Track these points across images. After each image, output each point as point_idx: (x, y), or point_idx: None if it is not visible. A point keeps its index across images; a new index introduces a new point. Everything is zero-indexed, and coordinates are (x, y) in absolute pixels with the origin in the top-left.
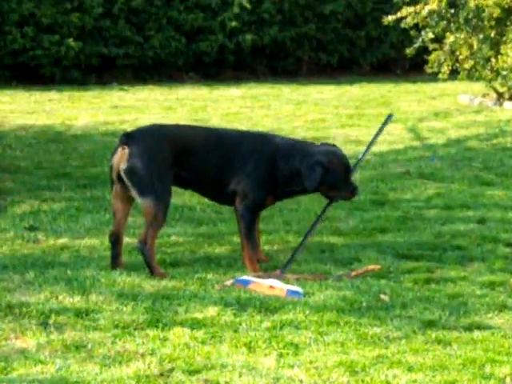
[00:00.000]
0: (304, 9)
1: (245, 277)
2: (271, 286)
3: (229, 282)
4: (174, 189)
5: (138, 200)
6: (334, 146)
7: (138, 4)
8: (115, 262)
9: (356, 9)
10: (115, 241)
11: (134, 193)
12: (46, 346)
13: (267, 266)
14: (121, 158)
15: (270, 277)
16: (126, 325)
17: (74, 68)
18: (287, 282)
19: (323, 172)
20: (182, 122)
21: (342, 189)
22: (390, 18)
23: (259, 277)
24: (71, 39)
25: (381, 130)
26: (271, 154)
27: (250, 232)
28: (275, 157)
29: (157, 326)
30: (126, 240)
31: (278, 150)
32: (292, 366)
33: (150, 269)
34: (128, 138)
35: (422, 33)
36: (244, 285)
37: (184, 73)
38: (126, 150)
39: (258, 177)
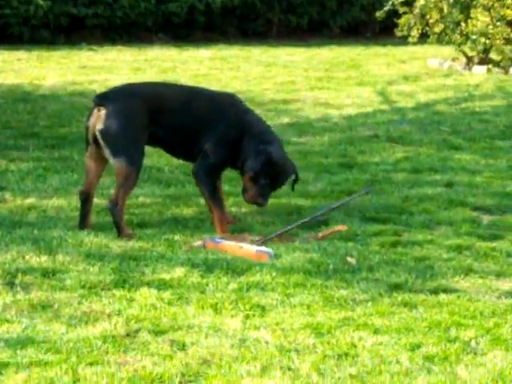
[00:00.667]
0: None
1: (216, 238)
2: (241, 247)
3: (196, 244)
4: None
5: (111, 160)
6: (293, 164)
7: None
8: (84, 222)
9: None
10: (85, 199)
11: (107, 153)
12: (12, 306)
13: (235, 228)
14: (97, 119)
15: (237, 240)
16: (92, 285)
17: (42, 28)
18: (253, 243)
19: (265, 162)
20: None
21: (257, 188)
22: None
23: (228, 238)
24: None
25: (352, 198)
26: (241, 125)
27: (213, 194)
28: (244, 131)
29: (123, 287)
30: (95, 201)
31: (250, 126)
32: (258, 328)
33: (118, 229)
34: (103, 99)
35: None
36: (215, 243)
37: (153, 33)
38: (103, 111)
39: (224, 141)
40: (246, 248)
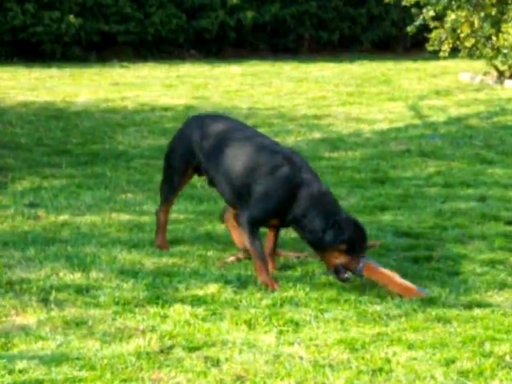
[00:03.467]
0: None
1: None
2: (397, 281)
3: (229, 259)
4: None
5: None
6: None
7: None
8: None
9: None
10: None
11: None
12: (46, 323)
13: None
14: None
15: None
16: (126, 301)
17: (74, 45)
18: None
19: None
20: (183, 99)
21: (350, 257)
22: None
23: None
24: (72, 16)
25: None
26: (292, 184)
27: (252, 241)
28: (296, 191)
29: (157, 303)
30: (127, 217)
31: (305, 188)
32: (292, 343)
33: None
34: None
35: (423, 11)
36: (374, 266)
37: (185, 50)
38: None
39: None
40: (404, 283)
